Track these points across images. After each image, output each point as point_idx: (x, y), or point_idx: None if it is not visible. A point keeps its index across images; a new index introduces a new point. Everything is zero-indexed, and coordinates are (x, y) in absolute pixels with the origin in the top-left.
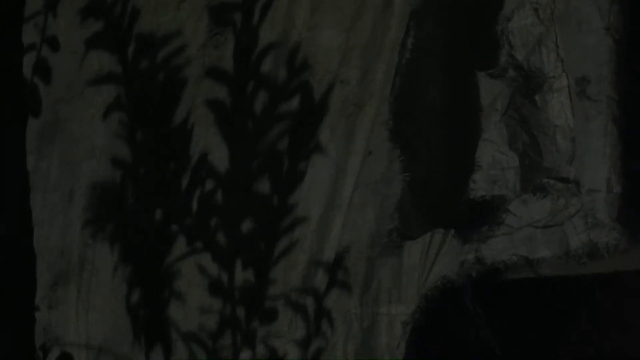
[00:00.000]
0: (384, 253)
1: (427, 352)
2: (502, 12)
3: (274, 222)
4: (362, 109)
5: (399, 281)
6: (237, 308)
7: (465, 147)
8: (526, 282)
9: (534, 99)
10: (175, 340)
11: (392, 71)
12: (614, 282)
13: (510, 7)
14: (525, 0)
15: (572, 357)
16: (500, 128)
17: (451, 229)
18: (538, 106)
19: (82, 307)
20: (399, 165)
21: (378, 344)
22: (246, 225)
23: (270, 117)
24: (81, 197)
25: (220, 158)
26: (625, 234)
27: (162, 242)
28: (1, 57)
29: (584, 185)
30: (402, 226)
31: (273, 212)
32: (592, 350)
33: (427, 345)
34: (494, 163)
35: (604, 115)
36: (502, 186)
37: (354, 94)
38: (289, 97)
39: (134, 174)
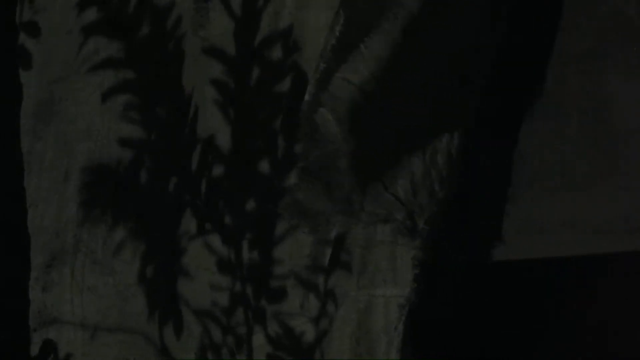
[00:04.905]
0: (379, 234)
1: (425, 334)
2: None
3: (275, 202)
4: None
5: (394, 263)
6: (246, 286)
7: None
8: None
9: None
10: (188, 316)
11: None
12: None
13: None
14: None
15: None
16: None
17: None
18: None
19: (76, 288)
20: None
21: (374, 327)
22: (250, 205)
23: (267, 98)
24: (77, 178)
25: (225, 137)
26: None
27: (174, 219)
28: None
29: None
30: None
31: (274, 192)
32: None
33: (424, 326)
34: None
35: None
36: None
37: None
38: (283, 77)
39: (146, 152)
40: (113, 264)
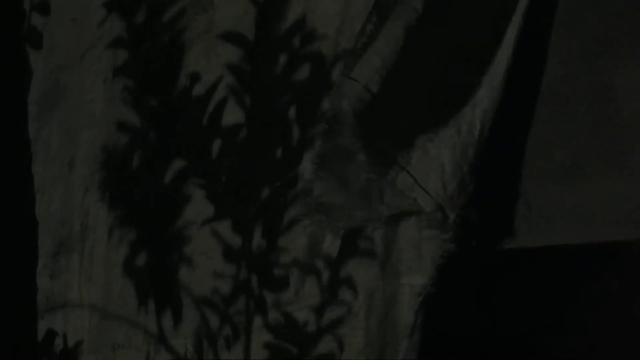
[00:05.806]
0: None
1: (438, 326)
2: None
3: (285, 191)
4: None
5: (419, 251)
6: (251, 274)
7: None
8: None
9: None
10: (187, 304)
11: None
12: None
13: None
14: None
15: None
16: None
17: None
18: None
19: (85, 276)
20: None
21: (400, 317)
22: (264, 193)
23: (281, 85)
24: (82, 165)
25: (237, 123)
26: None
27: (174, 205)
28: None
29: None
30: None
31: (284, 180)
32: None
33: (438, 319)
34: None
35: None
36: None
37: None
38: (291, 65)
39: (143, 138)
40: (119, 250)
